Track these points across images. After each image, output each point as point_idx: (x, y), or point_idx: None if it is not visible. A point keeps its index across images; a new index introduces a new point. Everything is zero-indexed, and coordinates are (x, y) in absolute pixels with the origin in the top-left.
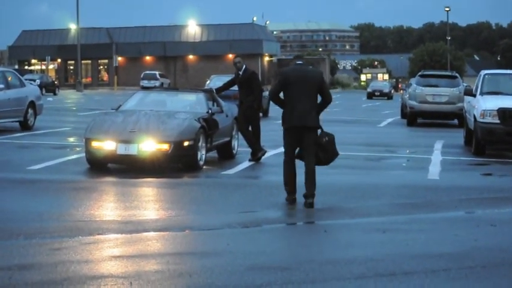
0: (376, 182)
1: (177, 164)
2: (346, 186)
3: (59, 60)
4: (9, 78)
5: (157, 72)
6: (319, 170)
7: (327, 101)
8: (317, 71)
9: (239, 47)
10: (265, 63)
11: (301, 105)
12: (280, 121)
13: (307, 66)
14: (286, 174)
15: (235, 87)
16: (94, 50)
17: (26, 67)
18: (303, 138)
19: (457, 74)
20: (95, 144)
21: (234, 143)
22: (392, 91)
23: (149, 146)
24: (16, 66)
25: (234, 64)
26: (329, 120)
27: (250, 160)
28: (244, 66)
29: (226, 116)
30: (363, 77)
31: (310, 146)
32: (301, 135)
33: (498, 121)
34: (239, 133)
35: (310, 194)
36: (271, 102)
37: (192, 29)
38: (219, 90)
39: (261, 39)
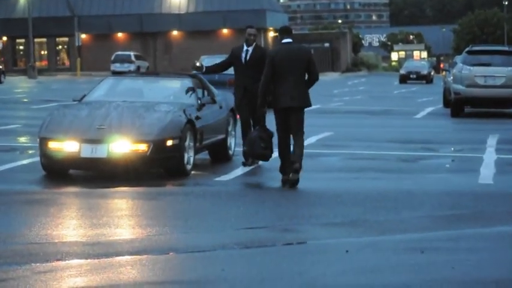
0: (411, 188)
1: (158, 169)
2: (374, 194)
3: (4, 38)
4: None
5: (132, 53)
6: (339, 175)
7: (312, 79)
8: (304, 49)
9: (236, 20)
10: (270, 39)
11: (288, 87)
12: None
13: (294, 45)
14: (282, 157)
15: (231, 71)
16: (50, 26)
17: None
18: (290, 119)
19: None
20: (52, 145)
21: (231, 141)
22: (432, 73)
23: (122, 146)
24: None
25: (247, 36)
26: (351, 111)
27: (244, 164)
28: (255, 43)
29: (220, 107)
30: (394, 56)
31: (298, 126)
32: (288, 116)
33: None
34: (237, 129)
35: (296, 165)
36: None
37: None
38: (210, 70)
39: (264, 10)
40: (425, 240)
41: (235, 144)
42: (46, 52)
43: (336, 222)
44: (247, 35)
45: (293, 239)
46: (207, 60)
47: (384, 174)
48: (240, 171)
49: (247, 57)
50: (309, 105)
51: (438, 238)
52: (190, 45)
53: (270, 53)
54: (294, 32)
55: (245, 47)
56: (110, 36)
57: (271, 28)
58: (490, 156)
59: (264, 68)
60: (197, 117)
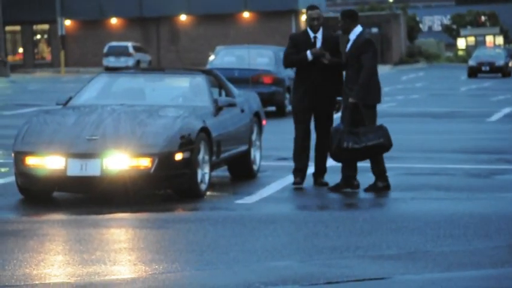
0: (485, 211)
1: (165, 190)
2: (437, 218)
3: None
4: None
5: (130, 44)
6: (393, 195)
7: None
8: None
9: (260, 1)
10: (303, 24)
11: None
12: None
13: None
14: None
15: (255, 65)
16: (26, 10)
17: None
18: None
19: None
20: (31, 161)
21: (255, 153)
22: (511, 63)
23: (119, 161)
24: None
25: (310, 20)
26: (406, 113)
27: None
28: (322, 28)
29: (242, 111)
30: (460, 43)
31: None
32: None
33: None
34: (264, 138)
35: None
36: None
37: None
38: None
39: None
40: (505, 277)
41: (260, 157)
42: (20, 43)
43: (390, 254)
44: (310, 19)
45: (336, 276)
46: (224, 52)
47: (450, 193)
48: (267, 191)
49: (317, 47)
50: None
51: None
52: (202, 33)
53: (373, 40)
54: (332, 14)
55: (311, 34)
56: (101, 22)
57: (304, 10)
58: None
59: (369, 56)
60: (213, 124)
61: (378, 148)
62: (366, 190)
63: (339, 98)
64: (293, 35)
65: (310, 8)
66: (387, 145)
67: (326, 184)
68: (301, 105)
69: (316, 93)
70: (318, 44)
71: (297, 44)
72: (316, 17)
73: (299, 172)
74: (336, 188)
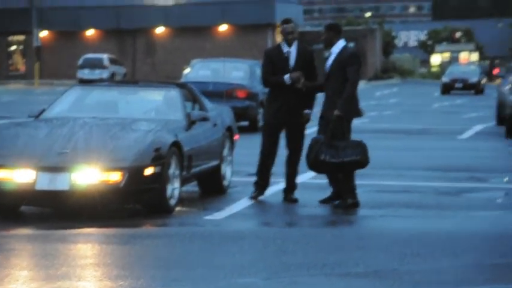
0: (453, 229)
1: (134, 205)
2: (405, 236)
3: None
4: None
5: (105, 56)
6: (362, 212)
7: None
8: None
9: (238, 14)
10: (280, 38)
11: None
12: None
13: None
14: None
15: (229, 79)
16: (2, 20)
17: None
18: None
19: None
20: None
21: (226, 169)
22: (484, 81)
23: (89, 175)
24: None
25: (284, 34)
26: (379, 129)
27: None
28: (297, 42)
29: (214, 125)
30: (435, 59)
31: None
32: None
33: None
34: (236, 154)
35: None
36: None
37: None
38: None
39: (273, 1)
40: None
41: (231, 172)
42: None
43: (357, 272)
44: (285, 33)
45: None
46: (200, 65)
47: (419, 211)
48: (237, 207)
49: (292, 62)
50: None
51: None
52: (179, 45)
53: (358, 54)
54: (309, 28)
55: (285, 48)
56: (77, 34)
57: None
58: None
59: (354, 69)
60: (185, 138)
61: (353, 164)
62: (335, 207)
63: (308, 111)
64: (267, 50)
65: (285, 21)
66: (364, 162)
67: (296, 200)
68: (274, 121)
69: (290, 110)
70: (292, 59)
71: (272, 59)
72: (291, 30)
73: (260, 187)
74: (327, 201)
